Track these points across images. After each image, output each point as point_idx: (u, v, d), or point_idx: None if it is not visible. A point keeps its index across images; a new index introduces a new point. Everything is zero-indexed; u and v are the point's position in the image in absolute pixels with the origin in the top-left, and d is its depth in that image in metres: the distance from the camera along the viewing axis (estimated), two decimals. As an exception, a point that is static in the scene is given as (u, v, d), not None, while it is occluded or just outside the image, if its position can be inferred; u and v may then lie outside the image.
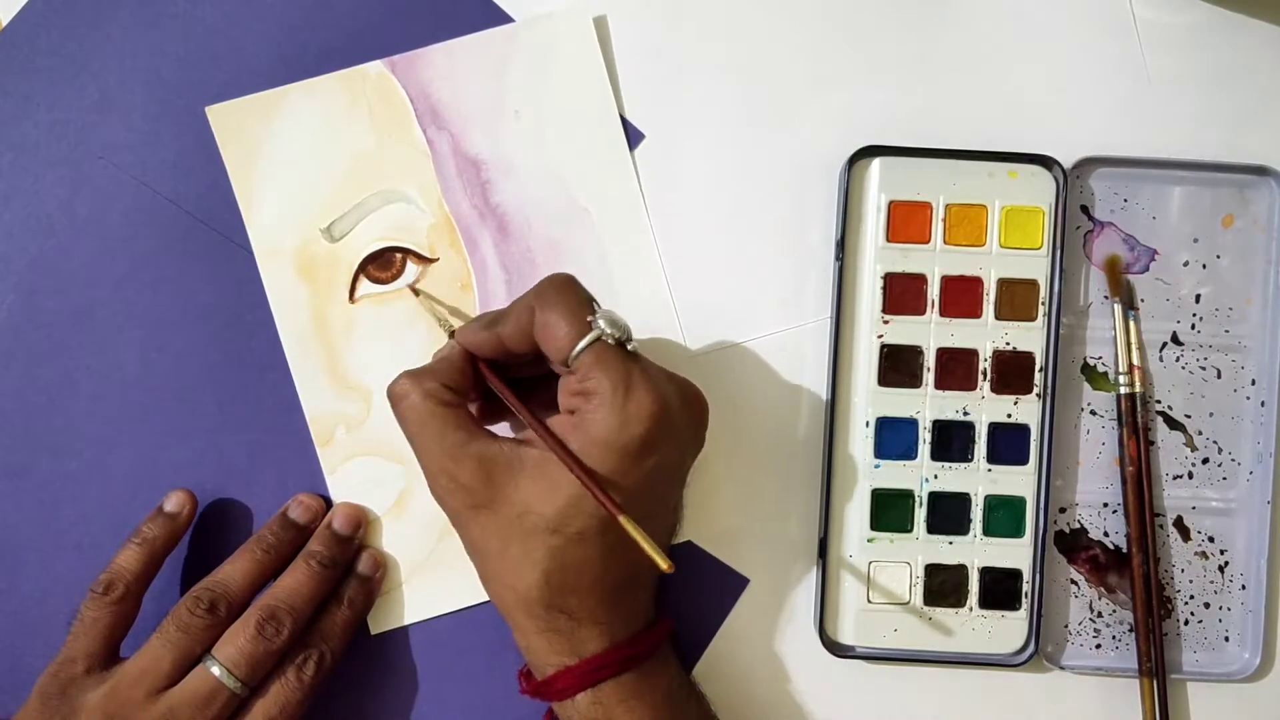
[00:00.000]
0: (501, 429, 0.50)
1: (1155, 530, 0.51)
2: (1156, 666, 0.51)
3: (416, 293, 0.51)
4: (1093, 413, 0.51)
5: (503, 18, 0.52)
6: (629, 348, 0.45)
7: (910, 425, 0.51)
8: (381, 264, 0.52)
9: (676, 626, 0.50)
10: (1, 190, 0.52)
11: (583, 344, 0.44)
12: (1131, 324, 0.51)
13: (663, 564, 0.42)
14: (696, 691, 0.49)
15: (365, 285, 0.52)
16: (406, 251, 0.52)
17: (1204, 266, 0.51)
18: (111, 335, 0.52)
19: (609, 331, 0.44)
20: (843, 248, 0.51)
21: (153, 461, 0.52)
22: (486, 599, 0.51)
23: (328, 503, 0.52)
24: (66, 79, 0.52)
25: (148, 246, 0.52)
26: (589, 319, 0.44)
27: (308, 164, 0.51)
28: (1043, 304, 0.50)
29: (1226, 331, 0.51)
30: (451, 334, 0.48)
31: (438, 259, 0.52)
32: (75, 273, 0.52)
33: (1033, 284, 0.50)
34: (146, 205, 0.52)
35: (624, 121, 0.52)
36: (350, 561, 0.51)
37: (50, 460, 0.52)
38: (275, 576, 0.50)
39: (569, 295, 0.45)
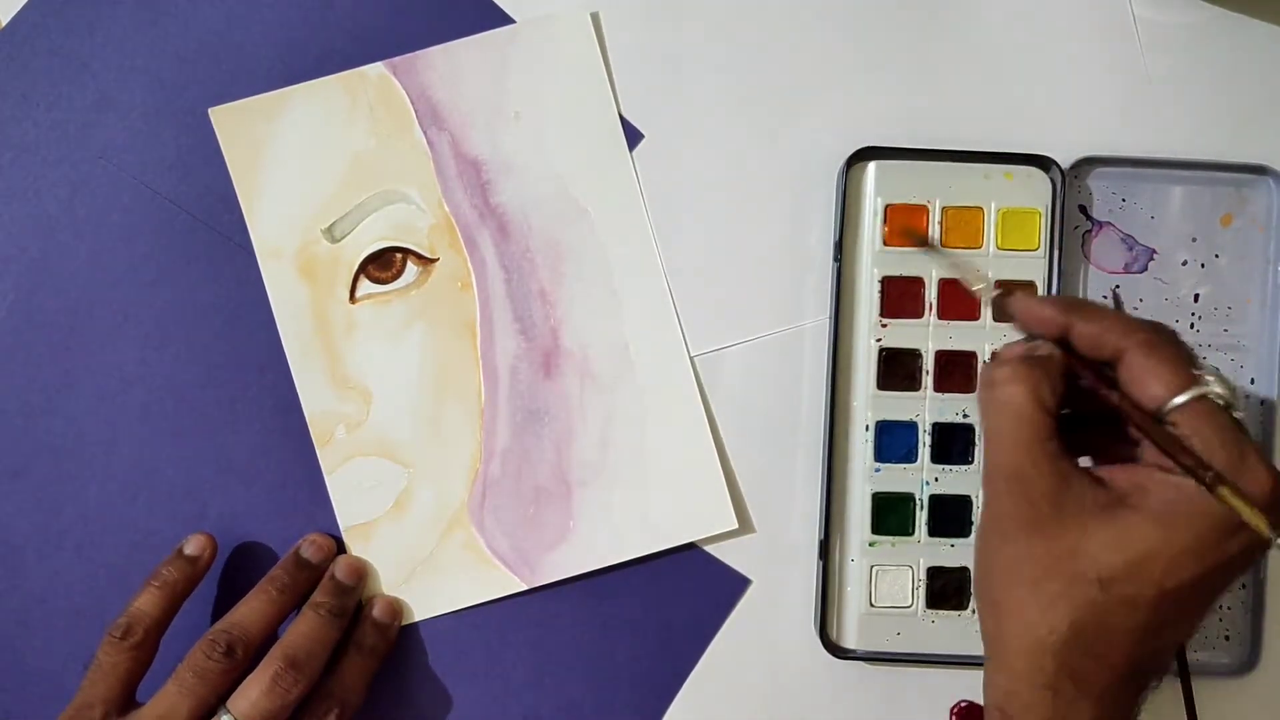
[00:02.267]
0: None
1: None
2: (1181, 668, 0.50)
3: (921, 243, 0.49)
4: None
5: (503, 18, 0.52)
6: (1236, 414, 0.40)
7: (910, 428, 0.51)
8: (382, 264, 0.52)
9: (676, 625, 0.50)
10: (1, 190, 0.52)
11: (1188, 395, 0.40)
12: None
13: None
14: None
15: (366, 285, 0.52)
16: (407, 252, 0.52)
17: (1202, 266, 0.52)
18: (111, 335, 0.52)
19: (1219, 391, 0.40)
20: (840, 250, 0.51)
21: (153, 461, 0.52)
22: (487, 599, 0.52)
23: (339, 542, 0.52)
24: (66, 79, 0.53)
25: (148, 246, 0.53)
26: (1195, 373, 0.40)
27: (309, 165, 0.52)
28: None
29: (1225, 331, 0.52)
30: (999, 297, 0.44)
31: (438, 259, 0.52)
32: (75, 273, 0.52)
33: (1030, 286, 0.51)
34: (146, 205, 0.52)
35: (623, 122, 0.53)
36: (356, 607, 0.51)
37: (50, 460, 0.52)
38: (291, 615, 0.50)
39: (1173, 344, 0.41)
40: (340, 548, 0.52)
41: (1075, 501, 0.40)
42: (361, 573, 0.52)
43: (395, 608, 0.52)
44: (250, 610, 0.49)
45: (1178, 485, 0.40)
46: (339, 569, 0.51)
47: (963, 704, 0.45)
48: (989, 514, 0.43)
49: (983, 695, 0.43)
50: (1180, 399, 0.40)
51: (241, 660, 0.48)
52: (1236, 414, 0.40)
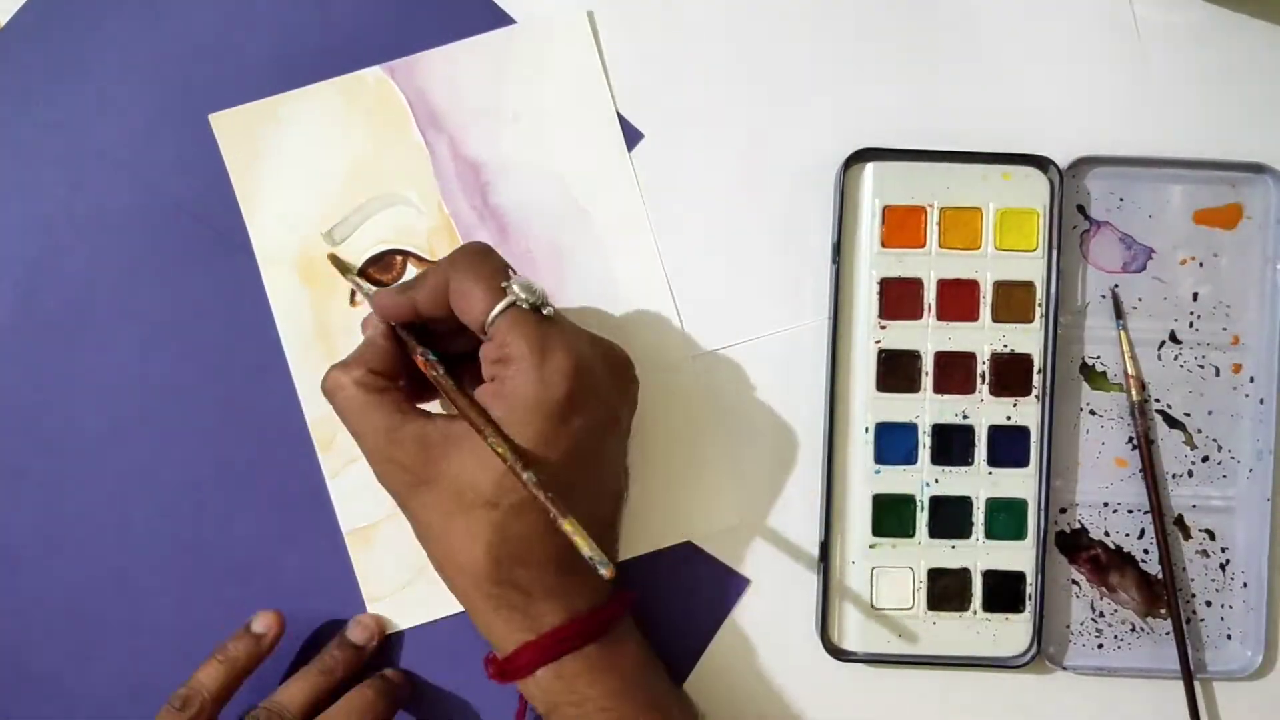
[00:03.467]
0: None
1: (1166, 534, 0.52)
2: (1183, 668, 0.52)
3: (335, 260, 0.52)
4: (1092, 412, 0.53)
5: (503, 18, 0.53)
6: (545, 312, 0.46)
7: (910, 430, 0.52)
8: (382, 267, 0.53)
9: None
10: (1, 190, 0.53)
11: (497, 309, 0.45)
12: (1122, 334, 0.53)
13: (599, 563, 0.42)
14: (661, 664, 0.50)
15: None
16: (407, 254, 0.53)
17: (1201, 265, 0.53)
18: (111, 335, 0.53)
19: (523, 297, 0.45)
20: (839, 252, 0.52)
21: (153, 461, 0.53)
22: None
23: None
24: (66, 79, 0.53)
25: (147, 246, 0.53)
26: (503, 285, 0.45)
27: (309, 169, 0.53)
28: (1039, 305, 0.51)
29: (1224, 330, 0.52)
30: (368, 299, 0.50)
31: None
32: (75, 273, 0.53)
33: (1029, 286, 0.51)
34: (146, 205, 0.53)
35: (622, 122, 0.53)
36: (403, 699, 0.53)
37: (50, 460, 0.53)
38: (333, 698, 0.51)
39: (483, 262, 0.46)
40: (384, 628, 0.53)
41: (439, 447, 0.46)
42: (408, 683, 0.53)
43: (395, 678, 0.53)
44: (293, 691, 0.50)
45: (501, 393, 0.45)
46: (388, 672, 0.52)
47: (486, 660, 0.48)
48: (392, 495, 0.48)
49: None
50: (494, 312, 0.45)
51: None
52: (546, 310, 0.46)
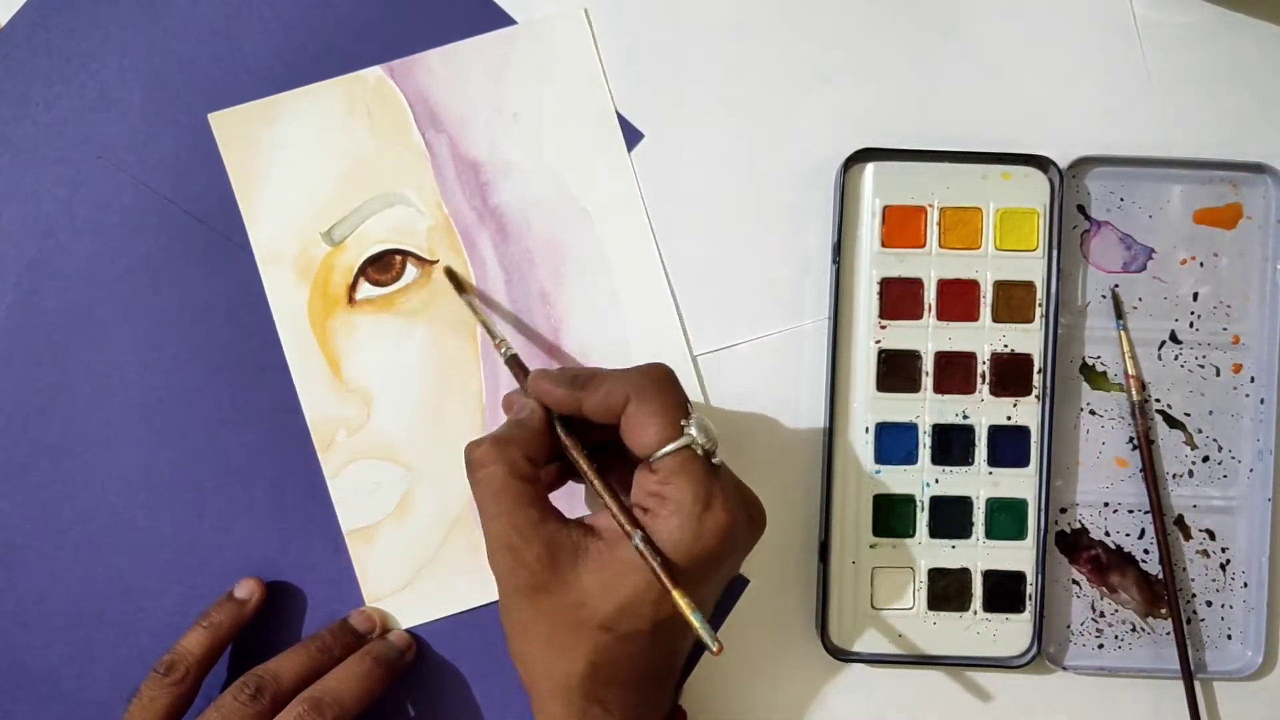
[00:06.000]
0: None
1: (1166, 534, 0.53)
2: (1183, 668, 0.52)
3: (458, 285, 0.51)
4: (1092, 412, 0.53)
5: (504, 18, 0.53)
6: (714, 461, 0.46)
7: (910, 430, 0.52)
8: (381, 266, 0.53)
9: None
10: (1, 190, 0.53)
11: (671, 448, 0.45)
12: (1122, 334, 0.53)
13: (710, 643, 0.43)
14: None
15: (365, 288, 0.53)
16: (406, 254, 0.53)
17: (1201, 265, 0.53)
18: (111, 335, 0.53)
19: (700, 441, 0.45)
20: (839, 252, 0.52)
21: (153, 461, 0.53)
22: (488, 601, 0.53)
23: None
24: (66, 79, 0.53)
25: (147, 246, 0.53)
26: (682, 423, 0.45)
27: (308, 169, 0.53)
28: (1040, 305, 0.52)
29: (1224, 329, 0.53)
30: (511, 358, 0.49)
31: (437, 260, 0.53)
32: (75, 273, 0.53)
33: (1029, 286, 0.52)
34: (146, 205, 0.53)
35: (622, 122, 0.53)
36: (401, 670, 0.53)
37: (50, 460, 0.53)
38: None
39: (668, 394, 0.46)
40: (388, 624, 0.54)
41: (569, 557, 0.45)
42: (411, 643, 0.53)
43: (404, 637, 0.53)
44: (286, 662, 0.51)
45: (652, 528, 0.45)
46: (391, 634, 0.53)
47: None
48: (501, 584, 0.47)
49: None
50: (667, 449, 0.45)
51: (268, 706, 0.49)
52: (714, 460, 0.46)
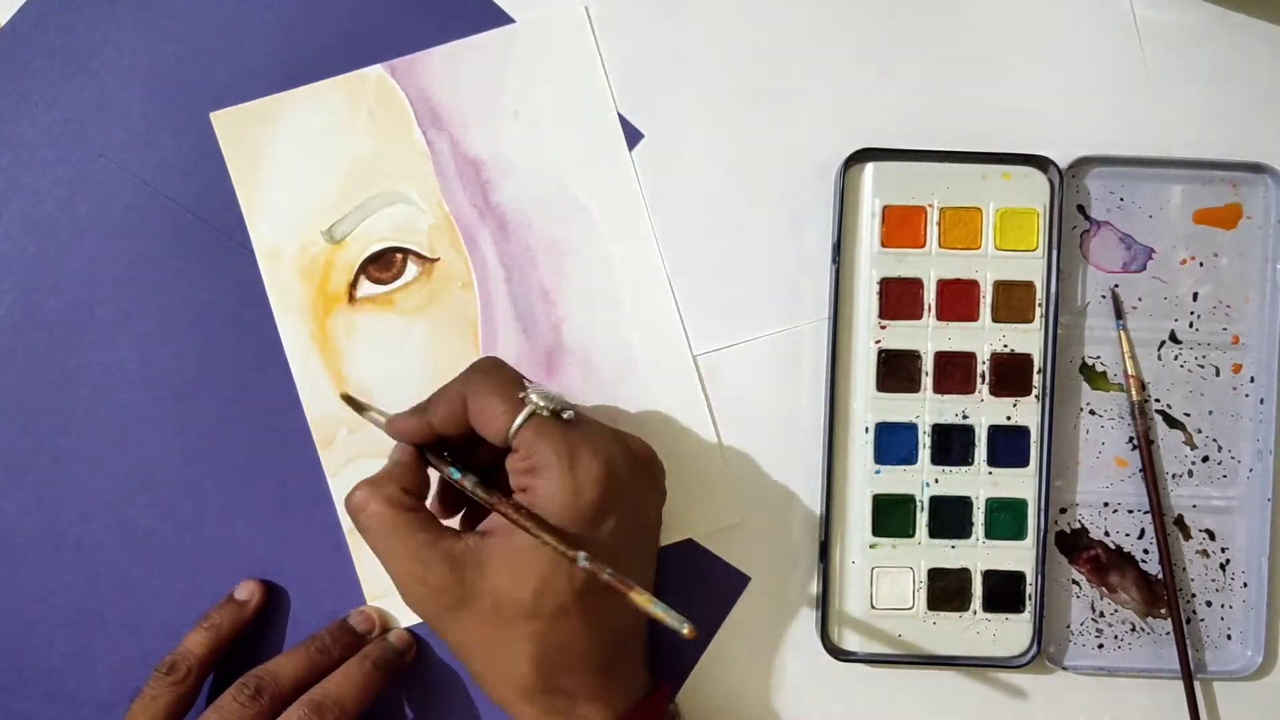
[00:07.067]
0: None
1: (1166, 534, 0.53)
2: (1183, 668, 0.52)
3: (349, 399, 0.51)
4: (1092, 412, 0.53)
5: (503, 18, 0.53)
6: (565, 416, 0.46)
7: (910, 430, 0.52)
8: (382, 264, 0.53)
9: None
10: (1, 190, 0.53)
11: (519, 420, 0.45)
12: (1122, 334, 0.53)
13: (676, 625, 0.42)
14: None
15: (366, 286, 0.53)
16: (407, 252, 0.53)
17: (1201, 265, 0.53)
18: (111, 334, 0.53)
19: (543, 404, 0.46)
20: (839, 252, 0.52)
21: (153, 461, 0.53)
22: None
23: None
24: (66, 79, 0.53)
25: (147, 245, 0.53)
26: (520, 395, 0.46)
27: (309, 167, 0.53)
28: (1039, 305, 0.52)
29: (1224, 329, 0.53)
30: (382, 428, 0.49)
31: (438, 259, 0.53)
32: (75, 272, 0.53)
33: (1029, 286, 0.52)
34: (146, 204, 0.53)
35: (623, 121, 0.53)
36: (401, 670, 0.53)
37: (50, 460, 0.53)
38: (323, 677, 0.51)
39: (498, 376, 0.47)
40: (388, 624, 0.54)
41: (472, 566, 0.46)
42: (411, 643, 0.53)
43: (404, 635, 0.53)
44: (285, 662, 0.51)
45: (534, 504, 0.45)
46: (391, 634, 0.53)
47: None
48: (424, 617, 0.47)
49: None
50: (516, 423, 0.45)
51: (267, 706, 0.49)
52: (565, 415, 0.46)
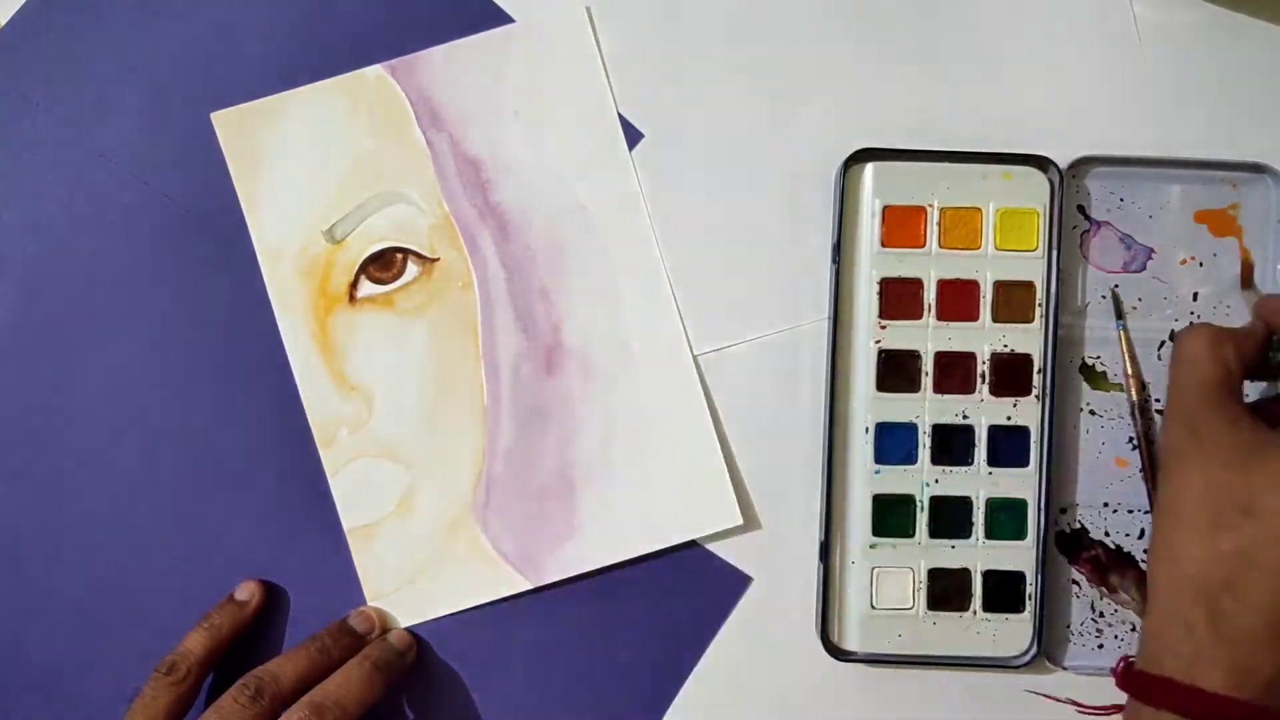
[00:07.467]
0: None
1: None
2: None
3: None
4: (1092, 412, 0.53)
5: (503, 18, 0.53)
6: None
7: (910, 430, 0.52)
8: (382, 264, 0.53)
9: (678, 624, 0.51)
10: (1, 190, 0.54)
11: None
12: (1122, 334, 0.53)
13: None
14: None
15: (366, 286, 0.53)
16: (407, 252, 0.53)
17: (1201, 265, 0.53)
18: (111, 334, 0.53)
19: None
20: (839, 252, 0.52)
21: (153, 461, 0.53)
22: (490, 599, 0.53)
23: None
24: (66, 79, 0.54)
25: (148, 246, 0.54)
26: None
27: (309, 167, 0.53)
28: (1040, 305, 0.52)
29: None
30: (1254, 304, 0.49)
31: (439, 259, 0.53)
32: (75, 272, 0.53)
33: (1029, 286, 0.52)
34: (147, 204, 0.53)
35: (623, 121, 0.54)
36: (402, 671, 0.53)
37: (50, 460, 0.54)
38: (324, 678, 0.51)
39: None
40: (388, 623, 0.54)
41: (1245, 444, 0.44)
42: (412, 643, 0.53)
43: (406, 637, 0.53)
44: (285, 663, 0.51)
45: None
46: (391, 635, 0.53)
47: (1124, 660, 0.45)
48: (1164, 455, 0.46)
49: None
50: None
51: (267, 707, 0.49)
52: None
